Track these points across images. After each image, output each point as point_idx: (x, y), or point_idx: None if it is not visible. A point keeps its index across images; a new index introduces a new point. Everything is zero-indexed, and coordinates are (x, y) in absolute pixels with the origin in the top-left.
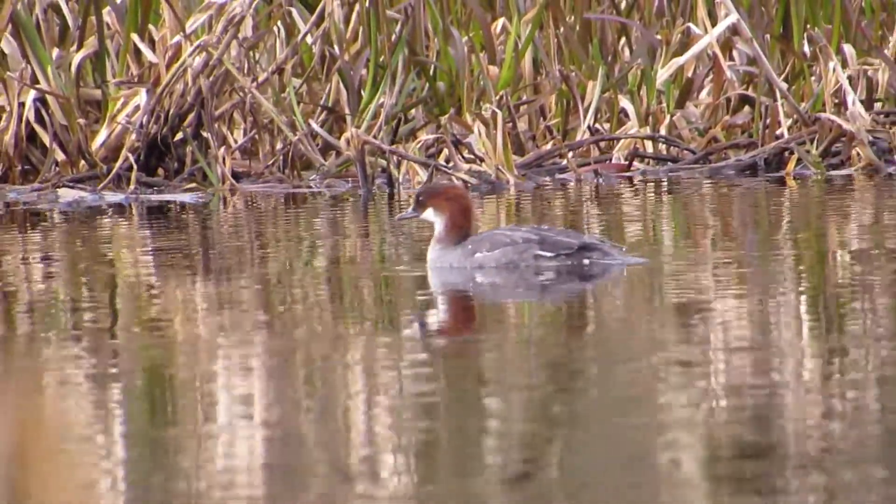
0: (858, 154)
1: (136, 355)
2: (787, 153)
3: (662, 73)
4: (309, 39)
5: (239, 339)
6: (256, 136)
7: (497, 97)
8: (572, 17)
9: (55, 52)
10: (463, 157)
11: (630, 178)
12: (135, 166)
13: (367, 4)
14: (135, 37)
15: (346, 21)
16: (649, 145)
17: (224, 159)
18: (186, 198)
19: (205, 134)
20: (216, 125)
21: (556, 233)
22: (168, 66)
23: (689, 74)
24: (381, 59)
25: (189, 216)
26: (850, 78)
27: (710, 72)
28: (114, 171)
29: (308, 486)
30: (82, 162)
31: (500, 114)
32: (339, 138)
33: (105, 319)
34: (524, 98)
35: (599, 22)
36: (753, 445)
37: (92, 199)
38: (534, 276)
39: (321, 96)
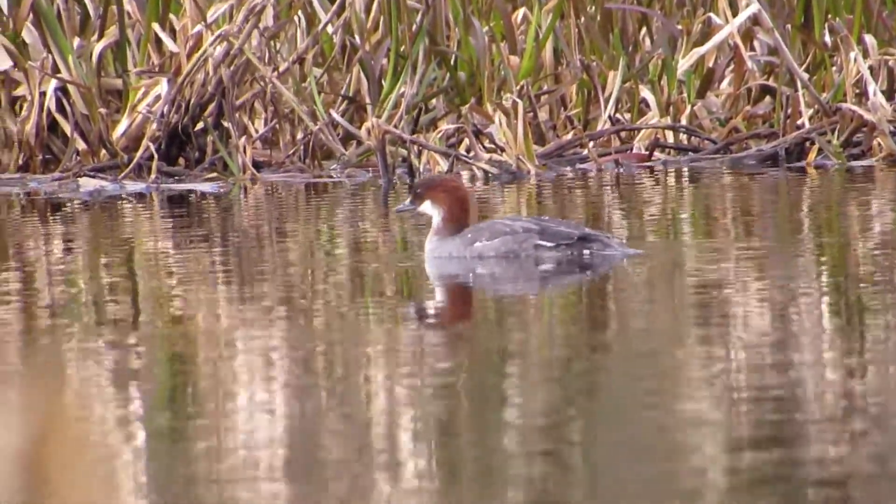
0: (879, 144)
1: (158, 344)
2: (808, 143)
3: (683, 63)
4: (330, 29)
5: (259, 329)
6: (277, 126)
7: (518, 87)
8: (593, 7)
9: (76, 41)
10: (483, 146)
11: (651, 168)
12: (155, 156)
13: None
14: (156, 26)
15: (367, 10)
16: (670, 135)
17: (245, 149)
18: (207, 187)
19: (225, 123)
20: (237, 115)
21: (556, 223)
22: (189, 56)
23: (710, 64)
24: (401, 49)
25: (210, 206)
26: (871, 68)
27: (731, 62)
28: (135, 160)
29: (334, 472)
30: (103, 151)
31: (520, 103)
32: (359, 128)
33: (127, 309)
34: (545, 88)
35: (620, 11)
36: (777, 435)
37: (113, 189)
38: (534, 266)
39: (342, 86)
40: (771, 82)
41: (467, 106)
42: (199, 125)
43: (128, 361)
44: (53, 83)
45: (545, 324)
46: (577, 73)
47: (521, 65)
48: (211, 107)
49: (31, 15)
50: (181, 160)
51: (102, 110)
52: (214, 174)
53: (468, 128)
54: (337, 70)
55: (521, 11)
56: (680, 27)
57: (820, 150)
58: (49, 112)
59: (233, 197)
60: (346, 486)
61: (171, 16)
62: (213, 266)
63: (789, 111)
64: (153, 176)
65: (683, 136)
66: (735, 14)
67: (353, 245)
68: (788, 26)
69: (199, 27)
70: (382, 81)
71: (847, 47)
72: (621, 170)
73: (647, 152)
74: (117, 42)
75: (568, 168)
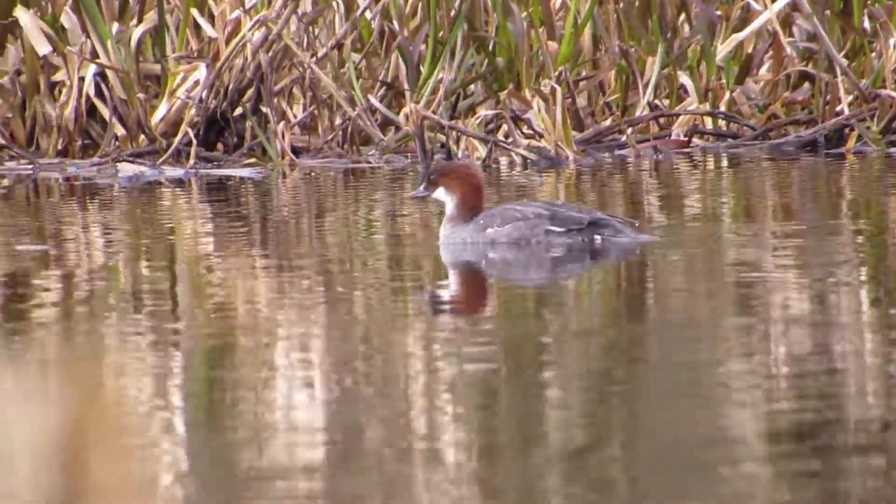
0: None
1: (198, 328)
2: (847, 130)
3: (722, 49)
4: (368, 15)
5: (298, 313)
6: (315, 112)
7: (556, 73)
8: None
9: (115, 26)
10: (522, 132)
11: (689, 155)
12: (194, 141)
13: None
14: (194, 11)
15: None
16: (709, 121)
17: (283, 134)
18: (246, 173)
19: (264, 109)
20: (275, 100)
21: (567, 208)
22: (227, 41)
23: (749, 50)
24: (440, 35)
25: (248, 191)
26: None
27: (770, 48)
28: (173, 145)
29: (370, 454)
30: (142, 136)
31: (559, 89)
32: (398, 114)
33: (166, 292)
34: (583, 74)
35: None
36: (817, 422)
37: (151, 174)
38: (545, 251)
39: (380, 72)
40: (810, 68)
41: (506, 92)
42: (238, 110)
43: (167, 346)
44: (92, 68)
45: (586, 310)
46: (615, 59)
47: (559, 50)
48: (249, 92)
49: (70, 0)
50: (220, 146)
51: (141, 95)
52: (253, 160)
53: (506, 114)
54: (375, 55)
55: None
56: (718, 13)
57: (859, 137)
58: (88, 97)
59: (271, 182)
60: (388, 473)
61: (210, 1)
62: (250, 250)
63: (828, 97)
64: (192, 161)
65: (722, 123)
66: (774, 0)
67: (390, 230)
68: (827, 12)
69: (237, 12)
70: (421, 67)
71: (886, 33)
72: (660, 156)
73: (686, 138)
74: (156, 27)
75: (606, 154)
